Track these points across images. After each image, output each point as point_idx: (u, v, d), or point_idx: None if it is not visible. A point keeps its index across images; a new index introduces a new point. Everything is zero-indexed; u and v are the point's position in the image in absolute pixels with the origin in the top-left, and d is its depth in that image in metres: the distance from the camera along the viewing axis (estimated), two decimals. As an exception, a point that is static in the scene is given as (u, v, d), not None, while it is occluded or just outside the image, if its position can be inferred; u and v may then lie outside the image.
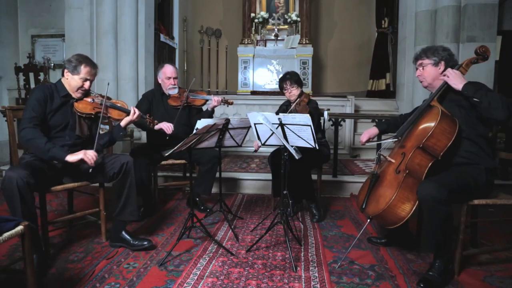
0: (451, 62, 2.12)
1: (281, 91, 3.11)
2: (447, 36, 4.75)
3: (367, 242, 2.44)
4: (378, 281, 1.93)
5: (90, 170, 2.16)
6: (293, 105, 2.93)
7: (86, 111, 2.30)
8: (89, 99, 2.35)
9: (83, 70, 2.26)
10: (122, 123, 2.38)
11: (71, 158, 2.09)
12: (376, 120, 4.01)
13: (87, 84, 2.30)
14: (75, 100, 2.31)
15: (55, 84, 2.33)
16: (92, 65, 2.30)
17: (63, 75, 2.30)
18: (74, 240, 2.45)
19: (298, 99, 2.97)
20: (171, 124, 2.89)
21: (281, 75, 3.10)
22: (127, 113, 2.39)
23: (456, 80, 1.98)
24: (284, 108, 3.16)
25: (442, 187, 1.82)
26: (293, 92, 2.99)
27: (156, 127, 2.93)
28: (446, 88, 2.06)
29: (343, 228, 2.74)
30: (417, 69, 2.23)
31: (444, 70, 2.09)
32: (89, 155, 2.10)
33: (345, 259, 2.16)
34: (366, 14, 7.59)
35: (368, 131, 2.43)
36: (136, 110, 2.38)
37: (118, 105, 2.43)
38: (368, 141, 2.39)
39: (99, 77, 2.33)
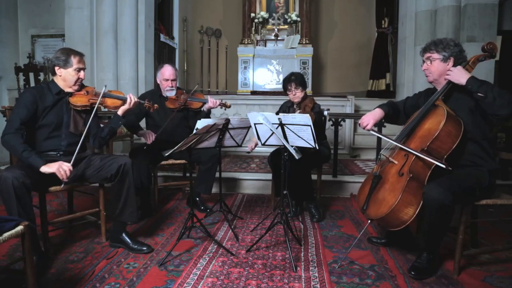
0: (460, 59, 2.02)
1: (284, 92, 3.05)
2: (447, 36, 4.72)
3: (367, 242, 2.43)
4: (378, 281, 1.93)
5: (62, 185, 2.09)
6: (297, 111, 2.84)
7: (82, 103, 2.29)
8: (83, 92, 2.33)
9: (74, 60, 2.24)
10: (119, 112, 2.36)
11: (45, 169, 2.00)
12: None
13: (82, 73, 2.28)
14: (69, 96, 2.29)
15: (48, 84, 2.30)
16: (80, 54, 2.30)
17: (53, 74, 2.27)
18: (74, 240, 2.45)
19: (303, 103, 2.93)
20: (153, 134, 2.91)
21: (285, 76, 3.04)
22: (123, 100, 2.37)
23: (458, 75, 1.92)
24: (285, 109, 3.12)
25: (448, 192, 1.80)
26: (297, 95, 2.94)
27: (140, 133, 2.97)
28: (451, 88, 2.00)
29: (343, 228, 2.74)
30: (423, 61, 2.12)
31: (453, 66, 2.00)
32: (62, 170, 2.00)
33: (345, 259, 2.16)
34: (366, 14, 7.59)
35: (372, 114, 2.20)
36: (133, 97, 2.36)
37: (113, 93, 2.40)
38: (373, 126, 2.15)
39: (99, 77, 2.32)
